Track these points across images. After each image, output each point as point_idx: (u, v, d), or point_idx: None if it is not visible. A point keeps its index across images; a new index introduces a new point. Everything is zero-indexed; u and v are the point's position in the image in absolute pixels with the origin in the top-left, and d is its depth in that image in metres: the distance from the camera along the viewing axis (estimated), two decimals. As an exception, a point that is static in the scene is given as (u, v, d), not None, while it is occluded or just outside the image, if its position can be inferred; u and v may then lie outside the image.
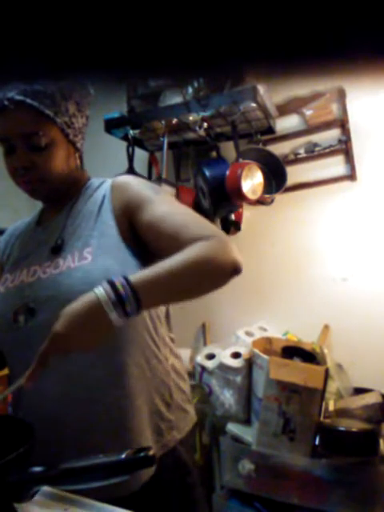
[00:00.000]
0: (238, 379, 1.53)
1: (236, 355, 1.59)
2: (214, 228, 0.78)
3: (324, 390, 1.33)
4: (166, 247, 0.74)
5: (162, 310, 0.89)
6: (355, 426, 1.31)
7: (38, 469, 0.54)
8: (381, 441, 1.29)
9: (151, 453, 0.53)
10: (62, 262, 0.79)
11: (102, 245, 0.78)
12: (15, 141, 0.78)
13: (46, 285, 0.78)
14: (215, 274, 0.73)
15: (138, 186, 0.83)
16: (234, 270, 0.73)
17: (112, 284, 0.64)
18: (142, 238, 0.80)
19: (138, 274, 0.67)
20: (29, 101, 0.75)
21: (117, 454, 0.54)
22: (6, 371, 1.19)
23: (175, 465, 0.83)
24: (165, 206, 0.79)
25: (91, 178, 0.92)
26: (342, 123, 1.77)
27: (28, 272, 0.83)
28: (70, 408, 0.76)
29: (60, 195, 0.87)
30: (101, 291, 0.64)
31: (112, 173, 1.75)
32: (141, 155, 1.95)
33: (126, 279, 0.65)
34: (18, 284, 0.83)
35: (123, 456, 0.53)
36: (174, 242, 0.73)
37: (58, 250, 0.81)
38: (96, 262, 0.76)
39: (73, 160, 0.85)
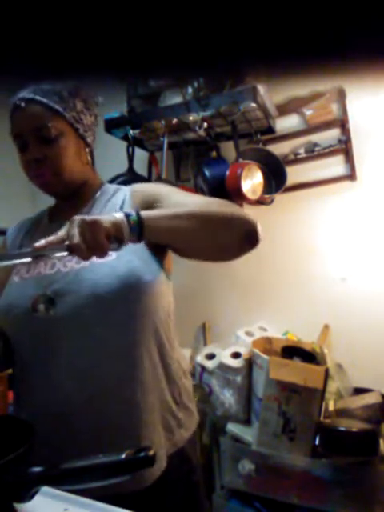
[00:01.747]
0: (238, 379, 1.53)
1: (236, 355, 1.59)
2: (236, 205, 0.82)
3: (324, 390, 1.33)
4: None
5: (173, 314, 0.91)
6: (355, 426, 1.31)
7: (37, 469, 0.54)
8: (381, 441, 1.29)
9: (151, 453, 0.53)
10: None
11: None
12: (27, 136, 0.82)
13: (69, 277, 0.79)
14: (224, 226, 0.76)
15: (155, 186, 0.91)
16: (248, 232, 0.77)
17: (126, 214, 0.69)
18: None
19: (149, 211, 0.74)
20: (38, 97, 0.81)
21: (116, 454, 0.54)
22: (8, 371, 1.19)
23: (182, 463, 0.85)
24: (183, 194, 0.86)
25: (105, 183, 0.95)
26: (342, 123, 1.77)
27: (45, 264, 0.84)
28: (84, 403, 0.76)
29: (73, 192, 0.89)
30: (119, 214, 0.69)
31: (112, 173, 1.76)
32: (141, 155, 1.95)
33: (137, 210, 0.71)
34: (35, 275, 0.83)
35: (123, 456, 0.53)
36: None
37: None
38: (121, 259, 0.78)
39: (84, 155, 0.88)
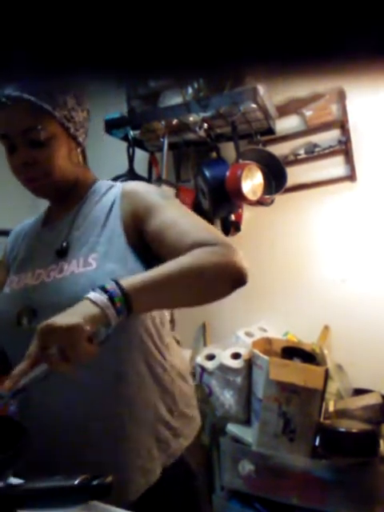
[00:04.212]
0: (238, 380, 1.53)
1: (236, 356, 1.59)
2: (220, 234, 0.76)
3: (324, 391, 1.33)
4: (169, 253, 0.72)
5: (166, 315, 0.88)
6: (355, 426, 1.31)
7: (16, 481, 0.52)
8: (381, 441, 1.30)
9: (108, 480, 0.49)
10: (66, 267, 0.77)
11: (108, 252, 0.77)
12: (15, 138, 0.77)
13: (49, 289, 0.77)
14: (214, 281, 0.71)
15: (146, 192, 0.82)
16: (238, 279, 0.72)
17: (103, 288, 0.62)
18: (150, 245, 0.78)
19: (131, 278, 0.65)
20: (25, 96, 0.74)
21: (71, 479, 0.49)
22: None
23: (180, 471, 0.82)
24: (172, 212, 0.78)
25: (98, 181, 0.90)
26: (342, 124, 1.78)
27: (33, 274, 0.82)
28: (69, 417, 0.75)
29: (65, 193, 0.85)
30: (93, 294, 0.63)
31: (112, 173, 1.76)
32: (141, 156, 1.95)
33: (117, 283, 0.63)
34: (22, 286, 0.82)
35: (76, 482, 0.49)
36: (177, 248, 0.71)
37: (63, 254, 0.80)
38: (101, 268, 0.74)
39: (75, 155, 0.84)
